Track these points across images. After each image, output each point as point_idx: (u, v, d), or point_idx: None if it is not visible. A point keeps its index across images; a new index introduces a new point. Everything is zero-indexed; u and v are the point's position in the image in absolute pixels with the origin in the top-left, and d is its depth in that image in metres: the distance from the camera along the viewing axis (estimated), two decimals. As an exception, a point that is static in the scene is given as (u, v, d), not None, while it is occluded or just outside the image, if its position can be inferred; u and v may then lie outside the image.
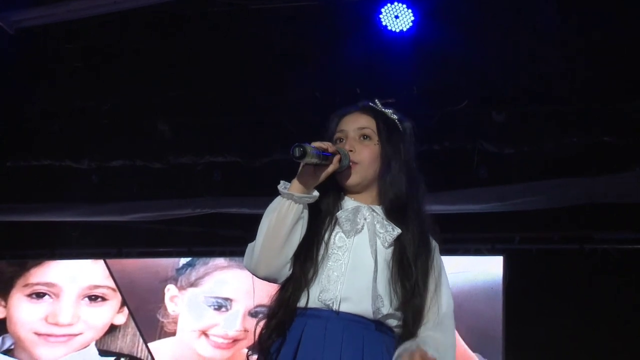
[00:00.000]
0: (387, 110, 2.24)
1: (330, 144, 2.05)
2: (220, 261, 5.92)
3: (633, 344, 4.85)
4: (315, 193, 2.03)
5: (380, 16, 4.03)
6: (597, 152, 4.47)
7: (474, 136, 4.57)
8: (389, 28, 4.03)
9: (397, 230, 2.09)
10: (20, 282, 6.13)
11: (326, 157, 2.01)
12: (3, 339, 6.08)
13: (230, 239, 5.57)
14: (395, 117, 2.24)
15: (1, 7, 4.02)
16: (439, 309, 2.11)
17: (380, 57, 4.17)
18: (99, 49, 4.50)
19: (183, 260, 6.01)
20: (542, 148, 4.50)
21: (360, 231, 2.10)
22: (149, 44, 4.42)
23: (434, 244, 2.18)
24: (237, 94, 4.62)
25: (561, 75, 4.07)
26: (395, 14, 4.02)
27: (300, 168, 2.01)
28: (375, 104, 2.25)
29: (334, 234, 2.10)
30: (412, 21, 4.02)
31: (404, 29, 4.03)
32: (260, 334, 2.10)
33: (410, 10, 4.01)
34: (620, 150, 4.44)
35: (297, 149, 1.93)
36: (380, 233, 2.09)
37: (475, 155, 4.68)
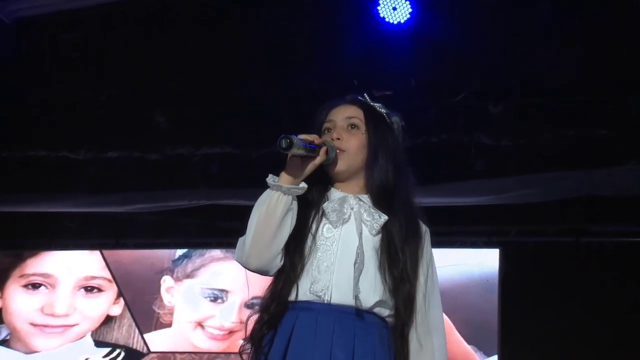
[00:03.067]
0: (375, 104, 2.27)
1: (316, 136, 2.07)
2: (216, 253, 5.92)
3: (629, 337, 4.87)
4: (304, 185, 2.05)
5: (378, 8, 4.03)
6: (593, 145, 4.48)
7: (471, 129, 4.57)
8: (387, 20, 4.04)
9: (384, 217, 2.10)
10: (16, 273, 6.12)
11: (313, 149, 2.02)
12: (-1, 329, 6.09)
13: (226, 230, 5.57)
14: (383, 110, 2.27)
15: (-3, -4, 4.01)
16: (430, 308, 2.13)
17: (378, 49, 4.17)
18: (96, 39, 4.49)
19: (179, 252, 6.01)
20: (538, 141, 4.51)
21: (348, 221, 2.11)
22: (146, 35, 4.41)
23: (425, 229, 2.19)
24: (234, 86, 4.62)
25: (558, 68, 4.08)
26: (393, 5, 4.02)
27: (287, 160, 2.03)
28: (364, 97, 2.28)
29: (321, 225, 2.11)
30: (409, 13, 4.02)
31: (402, 21, 4.03)
32: (253, 328, 2.12)
33: (408, 2, 4.01)
34: (616, 144, 4.44)
35: (283, 140, 1.95)
36: (367, 221, 2.10)
37: (472, 148, 4.69)
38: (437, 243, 2.24)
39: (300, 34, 4.25)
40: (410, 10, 4.01)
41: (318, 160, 2.05)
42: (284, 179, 2.03)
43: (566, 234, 5.30)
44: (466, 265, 5.36)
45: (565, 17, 3.89)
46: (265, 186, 2.06)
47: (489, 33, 4.03)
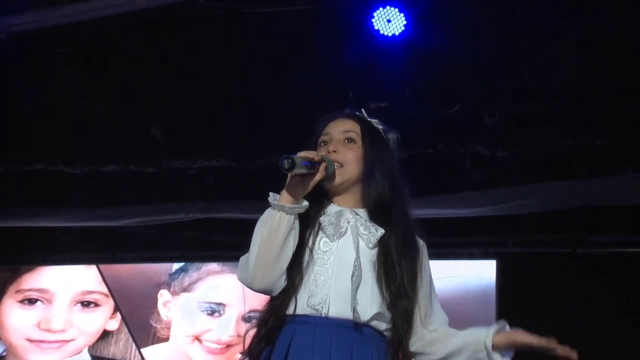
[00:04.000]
0: (372, 120, 2.28)
1: (315, 152, 2.08)
2: (213, 266, 5.91)
3: (626, 347, 4.85)
4: (305, 203, 2.05)
5: (373, 20, 4.03)
6: (589, 154, 4.48)
7: (467, 139, 4.57)
8: (381, 32, 4.04)
9: (381, 231, 2.10)
10: (13, 288, 6.10)
11: (313, 166, 2.03)
12: (-5, 345, 6.06)
13: (223, 243, 5.56)
14: (380, 127, 2.28)
15: (-7, 11, 4.02)
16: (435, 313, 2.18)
17: (372, 61, 4.17)
18: (92, 53, 4.49)
19: (176, 266, 6.00)
20: (534, 151, 4.51)
21: (344, 234, 2.12)
22: (142, 49, 4.41)
23: (422, 244, 2.20)
24: (230, 98, 4.62)
25: (553, 78, 4.08)
26: (388, 18, 4.02)
27: (288, 179, 2.03)
28: (361, 112, 2.29)
29: (318, 239, 2.12)
30: (404, 25, 4.02)
31: (396, 33, 4.03)
32: (251, 342, 2.12)
33: (402, 14, 4.01)
34: (612, 153, 4.45)
35: (285, 161, 1.96)
36: (364, 235, 2.11)
37: (467, 159, 4.69)
38: (434, 255, 2.25)
39: (295, 46, 4.26)
40: (404, 22, 4.01)
41: (318, 176, 2.06)
42: (285, 198, 2.03)
43: (563, 244, 5.29)
44: (463, 277, 5.34)
45: (561, 26, 3.90)
46: (262, 198, 2.06)
47: (484, 44, 4.04)
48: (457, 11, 3.98)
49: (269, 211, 2.04)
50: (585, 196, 4.55)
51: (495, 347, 2.12)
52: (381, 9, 4.01)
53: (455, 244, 5.40)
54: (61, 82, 4.62)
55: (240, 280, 2.11)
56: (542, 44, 3.97)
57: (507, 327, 2.15)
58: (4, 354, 6.02)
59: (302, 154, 2.01)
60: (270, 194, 2.05)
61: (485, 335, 2.11)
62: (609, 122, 4.33)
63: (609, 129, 4.34)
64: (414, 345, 2.15)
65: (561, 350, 2.12)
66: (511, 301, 5.17)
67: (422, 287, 2.15)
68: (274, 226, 2.01)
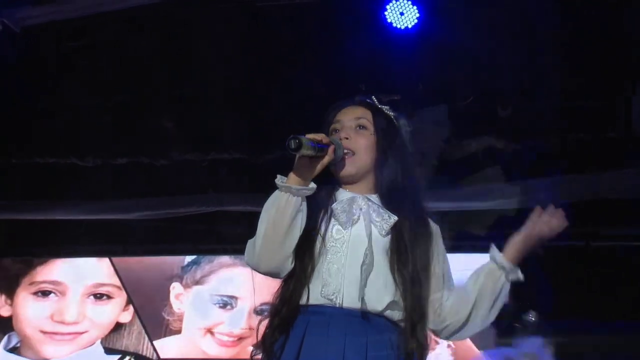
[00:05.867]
0: (383, 107, 2.27)
1: (324, 135, 2.07)
2: (225, 259, 5.91)
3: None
4: (313, 185, 2.04)
5: (385, 13, 4.03)
6: (603, 148, 4.46)
7: (480, 132, 4.56)
8: (394, 25, 4.03)
9: (394, 218, 2.09)
10: (26, 280, 6.13)
11: (321, 148, 2.03)
12: (9, 337, 6.09)
13: (235, 236, 5.56)
14: (391, 114, 2.27)
15: (6, 4, 4.02)
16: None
17: (385, 53, 4.17)
18: (104, 46, 4.50)
19: (188, 258, 6.01)
20: (547, 144, 4.49)
21: (357, 222, 2.10)
22: (153, 41, 4.42)
23: (435, 228, 2.19)
24: (241, 91, 4.62)
25: (567, 71, 4.07)
26: (400, 10, 4.01)
27: (295, 161, 2.02)
28: (371, 99, 2.27)
29: (330, 226, 2.10)
30: (417, 18, 4.01)
31: (409, 26, 4.03)
32: (264, 333, 2.11)
33: (415, 7, 4.01)
34: (626, 146, 4.42)
35: (292, 141, 1.95)
36: (377, 222, 2.10)
37: (480, 152, 4.67)
38: (447, 248, 2.24)
39: (308, 39, 4.25)
40: (417, 15, 4.01)
41: (326, 159, 2.05)
42: (293, 179, 2.02)
43: (577, 237, 5.27)
44: (476, 270, 5.32)
45: (574, 20, 3.88)
46: (273, 190, 2.05)
47: (497, 37, 4.02)
48: (469, 4, 3.96)
49: (276, 193, 2.03)
50: (599, 189, 4.53)
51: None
52: (394, 1, 4.01)
53: (468, 237, 5.38)
54: (73, 76, 4.63)
55: (247, 262, 2.10)
56: (555, 38, 3.95)
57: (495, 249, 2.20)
58: (19, 345, 6.06)
59: (311, 135, 2.01)
60: (278, 176, 2.04)
61: (496, 262, 2.22)
62: (622, 116, 4.31)
63: (622, 122, 4.32)
64: (433, 324, 2.14)
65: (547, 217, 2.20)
66: (524, 294, 5.15)
67: (434, 275, 2.14)
68: (281, 208, 2.00)
